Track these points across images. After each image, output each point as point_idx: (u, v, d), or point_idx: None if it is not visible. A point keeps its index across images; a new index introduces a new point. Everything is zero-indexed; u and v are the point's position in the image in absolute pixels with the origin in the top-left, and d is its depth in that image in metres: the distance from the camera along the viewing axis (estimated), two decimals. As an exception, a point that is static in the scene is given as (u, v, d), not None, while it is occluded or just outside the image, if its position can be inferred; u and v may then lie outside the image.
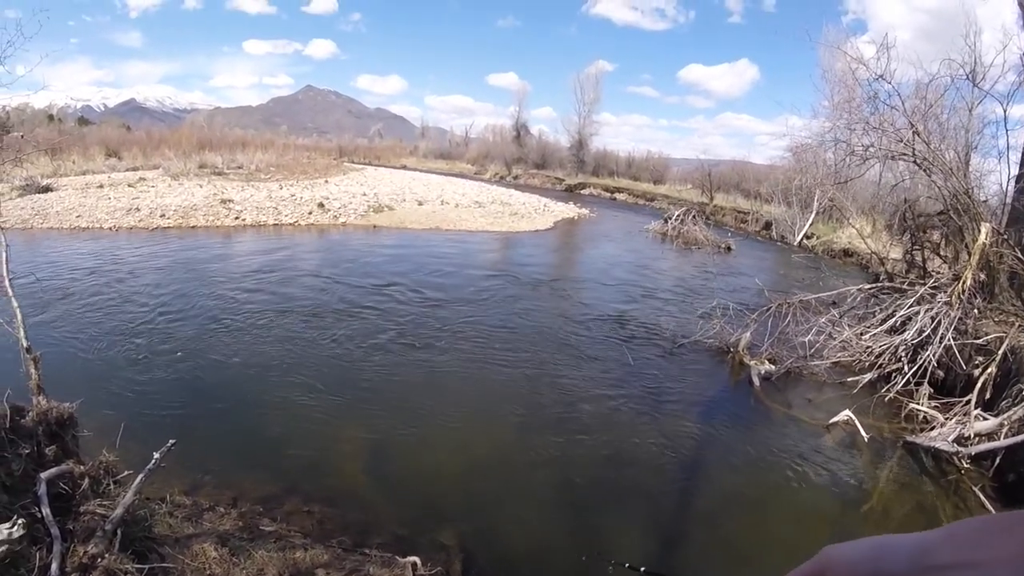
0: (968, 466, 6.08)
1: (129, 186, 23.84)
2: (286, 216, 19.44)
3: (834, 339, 8.59)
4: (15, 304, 4.89)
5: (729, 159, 43.25)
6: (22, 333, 4.72)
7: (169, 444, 4.07)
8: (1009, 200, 9.16)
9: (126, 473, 4.01)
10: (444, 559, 4.37)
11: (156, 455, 3.93)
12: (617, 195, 39.64)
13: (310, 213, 20.20)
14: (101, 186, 23.41)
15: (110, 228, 16.65)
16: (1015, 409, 6.00)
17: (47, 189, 22.08)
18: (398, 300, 10.70)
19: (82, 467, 3.83)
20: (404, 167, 55.21)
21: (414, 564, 4.11)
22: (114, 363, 7.50)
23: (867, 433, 6.63)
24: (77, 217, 17.49)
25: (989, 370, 6.61)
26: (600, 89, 51.21)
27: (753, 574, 4.45)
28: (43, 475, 3.46)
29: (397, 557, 4.20)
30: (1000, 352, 6.62)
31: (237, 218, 18.75)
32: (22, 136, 11.33)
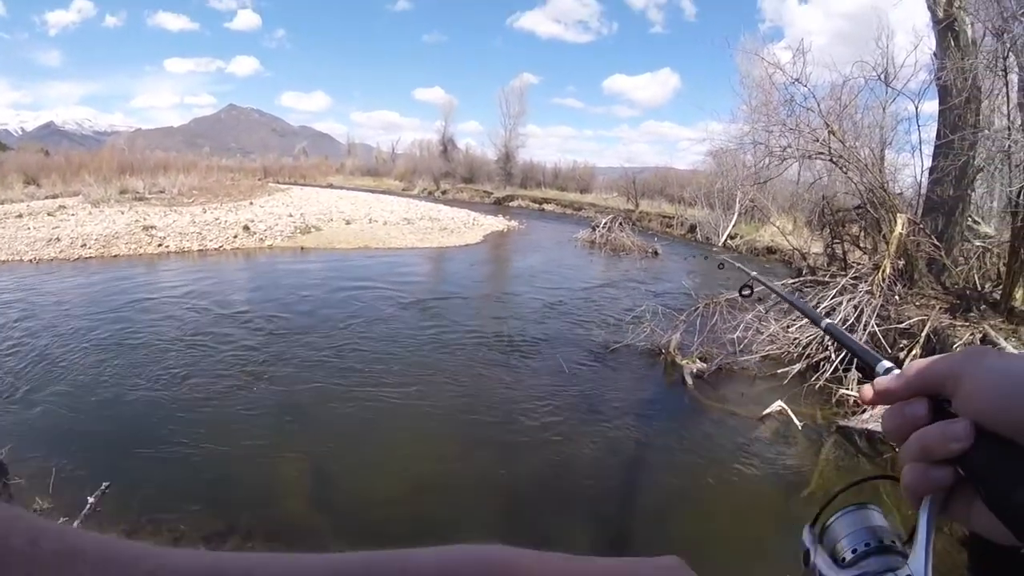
0: None
1: (49, 215, 22.74)
2: (211, 241, 18.73)
3: (762, 334, 8.74)
4: None
5: (653, 166, 44.42)
6: None
7: (103, 486, 4.14)
8: (924, 191, 9.53)
9: (62, 520, 3.85)
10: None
11: (91, 499, 3.97)
12: (545, 206, 39.89)
13: (235, 237, 19.53)
14: (20, 216, 22.27)
15: (30, 260, 15.70)
16: None
17: None
18: (328, 323, 10.33)
19: None
20: (331, 185, 54.27)
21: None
22: (41, 404, 6.96)
23: (800, 421, 6.76)
24: None
25: (914, 352, 6.82)
26: (525, 102, 51.80)
27: (700, 569, 4.38)
28: None
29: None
30: (923, 334, 6.83)
31: (160, 245, 17.94)
32: None
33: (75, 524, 3.56)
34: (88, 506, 3.79)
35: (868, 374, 0.61)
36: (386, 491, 5.43)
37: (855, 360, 7.34)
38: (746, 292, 1.93)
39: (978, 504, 0.44)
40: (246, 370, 8.07)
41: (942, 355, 0.50)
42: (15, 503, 3.79)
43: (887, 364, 0.60)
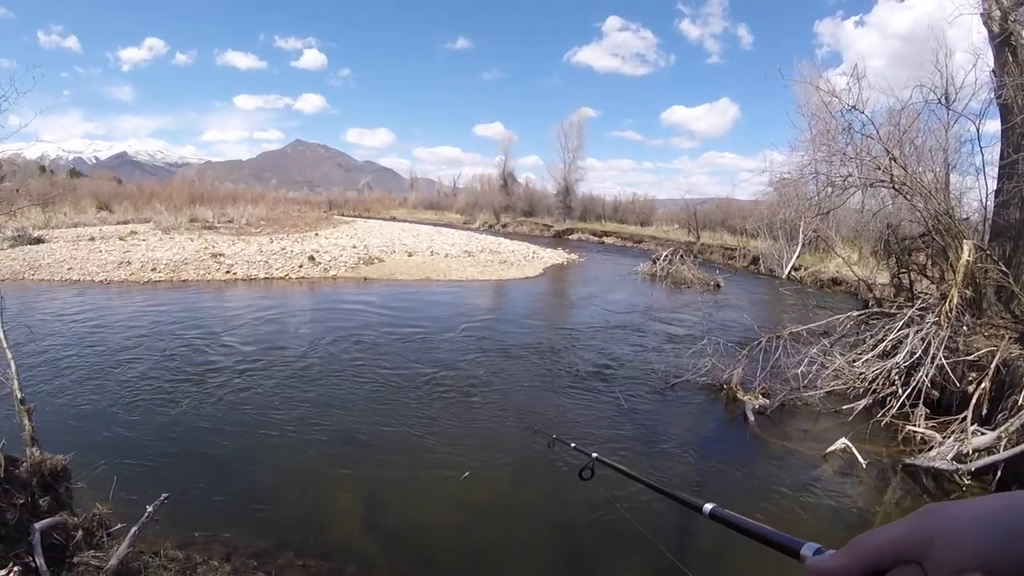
0: (970, 482, 5.97)
1: (120, 239, 23.98)
2: (277, 270, 19.37)
3: (826, 368, 8.50)
4: (9, 355, 4.91)
5: (714, 197, 43.89)
6: (16, 384, 4.73)
7: (162, 497, 4.12)
8: (990, 215, 9.22)
9: (120, 526, 4.04)
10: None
11: (149, 508, 3.99)
12: (605, 239, 39.88)
13: (300, 266, 20.13)
14: (92, 239, 23.57)
15: (101, 281, 16.64)
16: (1012, 420, 5.90)
17: (38, 241, 22.32)
18: (389, 352, 10.55)
19: (76, 519, 3.88)
20: (394, 218, 55.54)
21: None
22: (107, 416, 7.37)
23: (865, 459, 6.51)
24: (68, 270, 17.58)
25: (983, 385, 6.53)
26: (584, 135, 52.27)
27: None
28: (37, 525, 3.50)
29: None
30: (992, 366, 6.55)
31: (228, 272, 18.68)
32: (17, 190, 11.36)
33: (132, 531, 3.74)
34: (146, 514, 3.91)
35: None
36: (438, 519, 5.47)
37: (922, 396, 7.20)
38: (586, 475, 1.88)
39: None
40: (305, 396, 8.29)
41: (884, 526, 0.50)
42: (76, 506, 4.04)
43: (814, 545, 0.60)
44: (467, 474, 6.20)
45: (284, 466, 6.28)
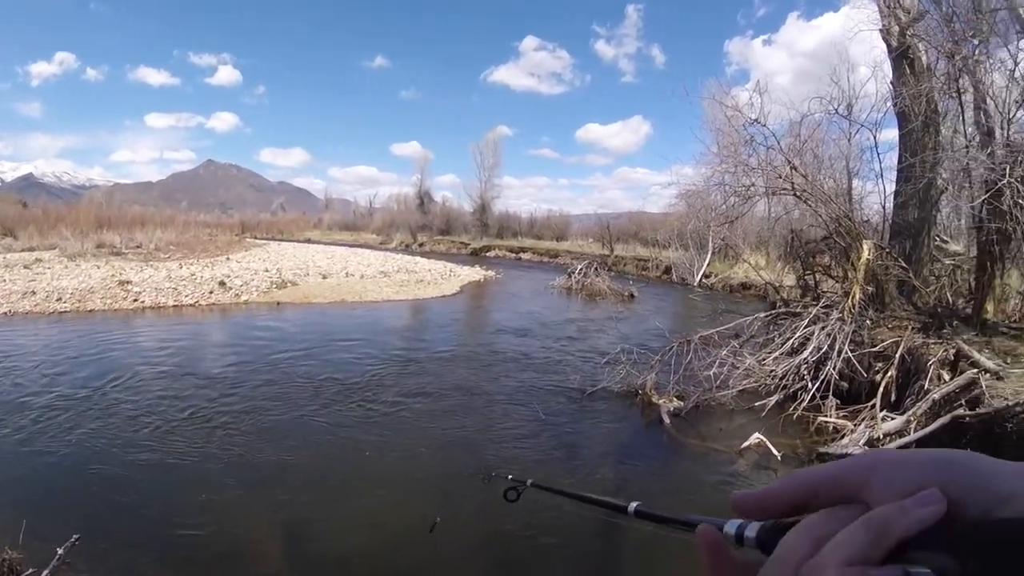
0: None
1: (25, 267, 22.55)
2: (186, 296, 18.44)
3: (737, 368, 8.67)
4: None
5: (627, 211, 44.83)
6: None
7: (73, 539, 4.13)
8: (890, 216, 9.62)
9: (30, 571, 4.05)
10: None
11: (60, 551, 4.01)
12: (522, 255, 40.12)
13: (211, 292, 19.25)
14: None
15: (4, 313, 15.45)
16: (919, 404, 6.20)
17: None
18: (300, 379, 10.08)
19: None
20: (308, 240, 54.36)
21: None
22: (10, 458, 6.81)
23: (779, 451, 6.71)
24: None
25: (889, 373, 6.84)
26: (500, 154, 52.68)
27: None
28: None
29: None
30: (897, 355, 6.86)
31: (136, 300, 17.65)
32: None
33: (44, 572, 3.78)
34: (57, 557, 3.88)
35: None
36: (363, 546, 5.27)
37: (831, 388, 7.37)
38: (511, 496, 1.86)
39: None
40: (217, 426, 7.83)
41: (819, 467, 0.44)
42: None
43: (736, 522, 0.52)
44: (434, 522, 5.93)
45: (200, 501, 5.86)
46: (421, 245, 47.64)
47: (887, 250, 8.00)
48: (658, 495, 6.15)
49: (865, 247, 7.68)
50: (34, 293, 17.54)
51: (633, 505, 0.89)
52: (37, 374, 10.02)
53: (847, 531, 0.38)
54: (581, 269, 22.33)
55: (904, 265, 7.78)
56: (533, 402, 8.91)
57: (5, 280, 19.53)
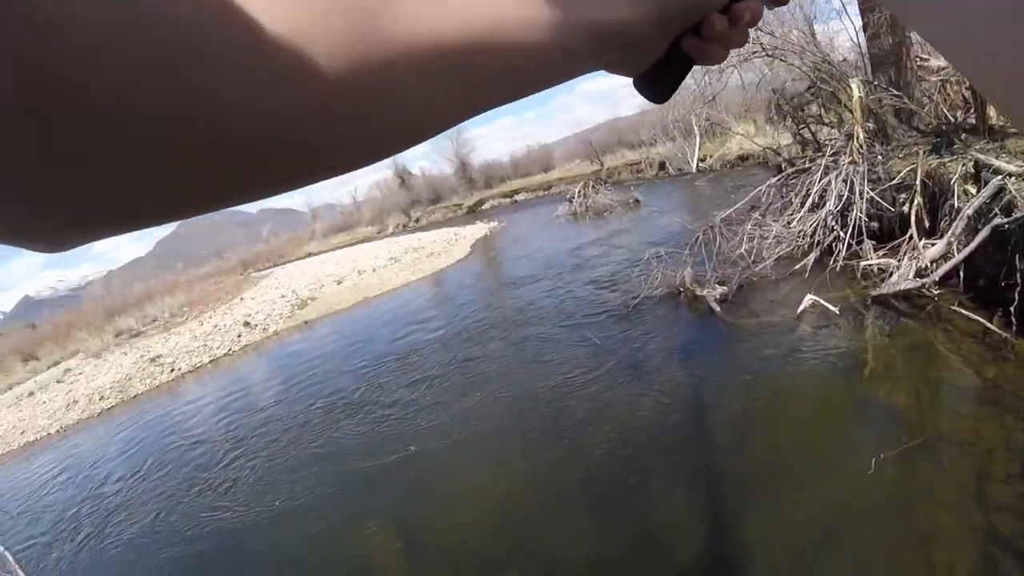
0: (939, 291, 6.24)
1: (58, 382, 22.80)
2: (218, 349, 18.75)
3: (766, 238, 8.70)
4: (2, 548, 4.75)
5: (602, 122, 44.26)
6: (21, 574, 4.61)
7: None
8: (865, 51, 9.53)
9: None
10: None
11: None
12: (516, 197, 39.81)
13: (239, 336, 19.54)
14: (31, 393, 22.43)
15: (57, 431, 15.84)
16: (955, 223, 6.16)
17: None
18: (357, 383, 10.35)
19: None
20: (309, 254, 54.02)
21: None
22: (117, 558, 7.13)
23: (835, 306, 6.72)
24: (21, 434, 16.67)
25: (915, 202, 6.78)
26: (457, 108, 51.63)
27: (797, 480, 4.45)
28: None
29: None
30: (918, 182, 6.81)
31: (172, 370, 17.94)
32: None
33: None
34: None
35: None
36: (472, 523, 5.44)
37: (864, 232, 7.40)
38: None
39: None
40: (295, 461, 8.08)
41: None
42: None
43: None
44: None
45: (309, 534, 6.15)
46: (417, 221, 47.35)
47: (875, 83, 7.96)
48: (732, 380, 6.26)
49: (853, 85, 7.60)
50: (76, 402, 17.89)
51: None
52: (104, 476, 10.36)
53: None
54: (579, 191, 22.20)
55: (896, 92, 7.75)
56: (584, 331, 9.00)
57: (44, 401, 19.88)
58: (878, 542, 3.67)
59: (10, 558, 4.61)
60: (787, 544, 3.94)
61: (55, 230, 0.28)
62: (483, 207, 41.10)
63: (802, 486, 4.37)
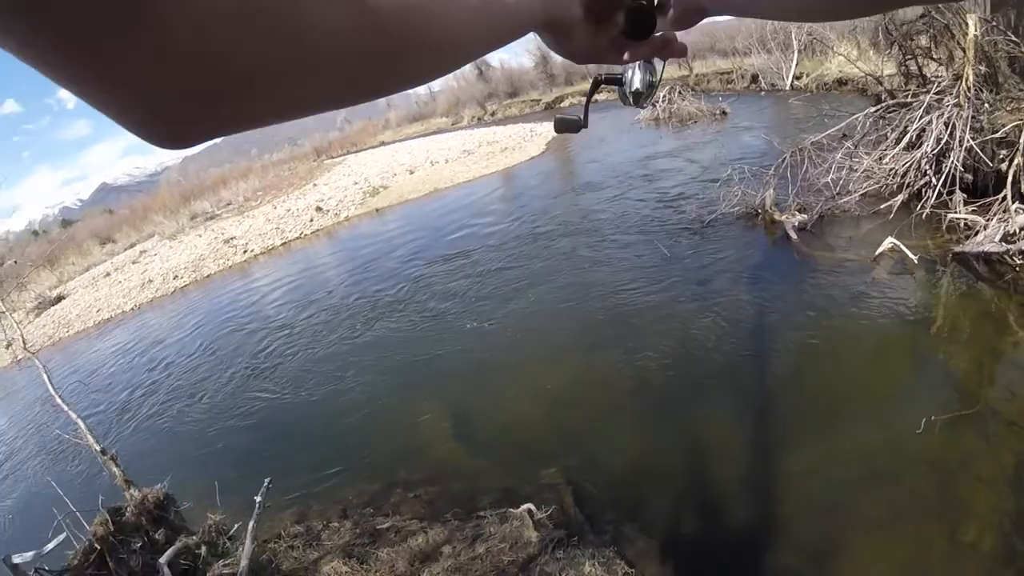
0: (1021, 261, 5.95)
1: (133, 263, 24.20)
2: (290, 232, 19.48)
3: (855, 171, 8.43)
4: (74, 416, 5.09)
5: (696, 25, 42.00)
6: (91, 439, 4.91)
7: (266, 483, 4.26)
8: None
9: (236, 526, 4.29)
10: (555, 497, 4.56)
11: (258, 498, 4.12)
12: (596, 97, 38.59)
13: (311, 220, 20.19)
14: (108, 274, 23.79)
15: (132, 309, 16.92)
16: None
17: (59, 299, 22.47)
18: (424, 273, 10.73)
19: (194, 537, 4.09)
20: (382, 143, 54.13)
21: (529, 510, 4.28)
22: (183, 431, 7.77)
23: (914, 255, 6.53)
24: (98, 312, 17.82)
25: (1016, 161, 6.42)
26: (543, -3, 49.60)
27: (844, 424, 4.57)
28: (162, 560, 3.65)
29: (511, 509, 4.38)
30: (1022, 141, 6.43)
31: (245, 252, 18.87)
32: (15, 262, 11.44)
33: (250, 524, 3.86)
34: (257, 505, 4.04)
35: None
36: (523, 414, 5.77)
37: (957, 182, 7.08)
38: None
39: None
40: (361, 341, 8.62)
41: None
42: (190, 525, 4.25)
43: None
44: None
45: (364, 415, 6.60)
46: (493, 114, 46.65)
47: (993, 24, 7.35)
48: (798, 314, 6.28)
49: (970, 22, 7.01)
50: (151, 281, 19.01)
51: None
52: (176, 353, 11.11)
53: None
54: (664, 96, 21.50)
55: (1015, 39, 7.14)
56: (655, 242, 9.05)
57: (120, 281, 21.09)
58: (911, 503, 3.81)
59: (82, 424, 5.03)
60: (824, 482, 4.13)
61: (184, 123, 0.31)
62: (561, 104, 40.10)
63: (849, 430, 4.49)
